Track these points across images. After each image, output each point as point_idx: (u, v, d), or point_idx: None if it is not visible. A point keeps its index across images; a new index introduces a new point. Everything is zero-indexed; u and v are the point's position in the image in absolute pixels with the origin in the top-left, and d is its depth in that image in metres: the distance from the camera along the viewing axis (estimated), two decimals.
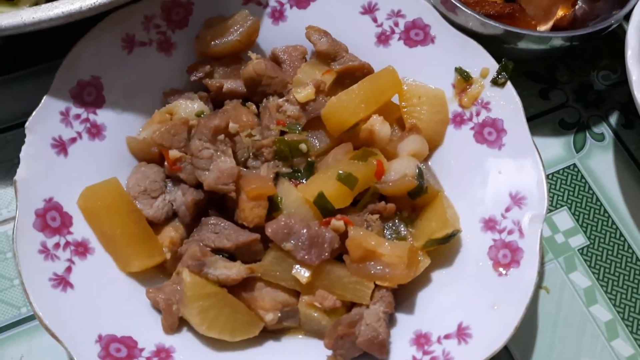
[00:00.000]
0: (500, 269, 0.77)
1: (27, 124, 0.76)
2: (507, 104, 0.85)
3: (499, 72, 0.86)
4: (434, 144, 0.87)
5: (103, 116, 0.82)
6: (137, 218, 0.76)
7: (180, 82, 0.88)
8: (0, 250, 0.83)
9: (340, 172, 0.75)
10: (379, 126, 0.81)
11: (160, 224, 0.78)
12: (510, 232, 0.78)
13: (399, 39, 0.91)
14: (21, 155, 0.74)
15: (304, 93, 0.82)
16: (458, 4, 0.90)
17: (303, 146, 0.79)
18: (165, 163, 0.79)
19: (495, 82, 0.86)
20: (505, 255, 0.77)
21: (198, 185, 0.78)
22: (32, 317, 0.79)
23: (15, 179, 0.73)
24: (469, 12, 0.89)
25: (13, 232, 0.70)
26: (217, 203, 0.79)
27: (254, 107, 0.87)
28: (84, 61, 0.81)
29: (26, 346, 0.78)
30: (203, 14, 0.89)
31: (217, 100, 0.88)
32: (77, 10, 0.74)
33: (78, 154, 0.78)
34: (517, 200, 0.80)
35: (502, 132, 0.84)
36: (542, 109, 1.01)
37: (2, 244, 0.83)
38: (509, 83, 0.85)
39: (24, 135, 0.75)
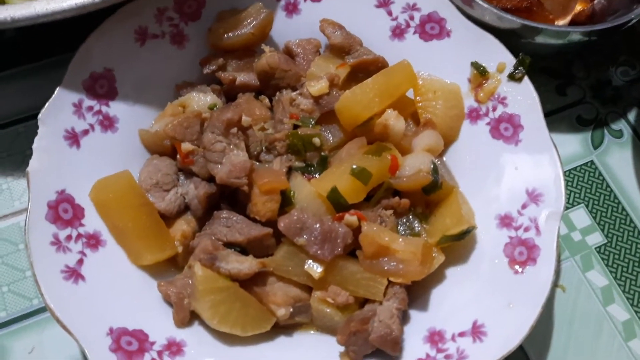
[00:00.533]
0: (516, 267, 0.75)
1: (39, 116, 0.76)
2: (524, 99, 0.84)
3: (516, 67, 0.85)
4: (449, 139, 0.86)
5: (115, 108, 0.81)
6: (149, 211, 0.75)
7: (193, 75, 0.88)
8: (13, 241, 0.83)
9: (354, 166, 0.74)
10: (394, 121, 0.80)
11: (172, 217, 0.78)
12: (526, 230, 0.77)
13: (414, 32, 0.90)
14: (34, 147, 0.74)
15: (317, 87, 0.81)
16: None
17: (316, 140, 0.78)
18: (178, 156, 0.78)
19: (512, 77, 0.84)
20: (522, 253, 0.76)
21: (210, 179, 0.78)
22: (43, 309, 0.79)
23: (27, 170, 0.73)
24: (486, 5, 0.88)
25: (25, 224, 0.70)
26: (229, 197, 0.78)
27: (267, 100, 0.86)
28: (96, 53, 0.81)
29: (37, 338, 0.78)
30: (216, 6, 0.89)
31: (229, 93, 0.87)
32: (91, 2, 0.74)
33: (90, 146, 0.78)
34: (533, 197, 0.78)
35: (518, 127, 0.83)
36: (559, 105, 0.99)
37: (14, 235, 0.83)
38: (526, 78, 0.84)
39: (36, 128, 0.75)
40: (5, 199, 0.84)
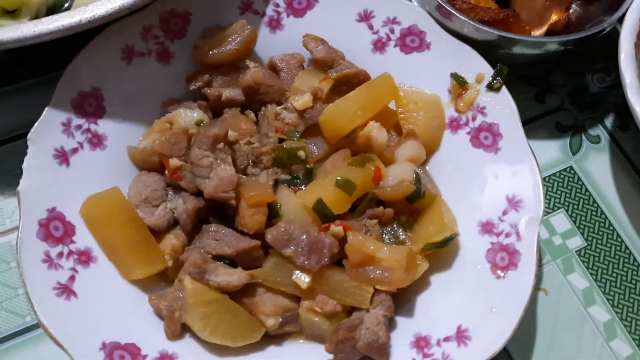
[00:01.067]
0: (498, 272, 0.77)
1: (29, 135, 0.77)
2: (502, 108, 0.86)
3: (494, 77, 0.87)
4: (430, 149, 0.88)
5: (104, 126, 0.83)
6: (138, 226, 0.77)
7: (179, 92, 0.90)
8: (4, 259, 0.84)
9: (339, 178, 0.76)
10: (376, 132, 0.82)
11: (161, 232, 0.79)
12: (507, 235, 0.79)
13: (395, 45, 0.92)
14: (24, 166, 0.75)
15: (301, 101, 0.83)
16: (453, 11, 0.90)
17: (301, 153, 0.80)
18: (166, 172, 0.80)
19: (490, 87, 0.87)
20: (503, 258, 0.78)
21: (198, 193, 0.79)
22: (36, 326, 0.80)
23: (18, 189, 0.74)
24: (464, 18, 0.90)
25: (17, 242, 0.71)
26: (218, 210, 0.80)
27: (252, 115, 0.88)
28: (84, 72, 0.82)
29: (31, 355, 0.79)
30: (201, 24, 0.91)
31: (216, 109, 0.89)
32: (77, 23, 0.75)
33: (80, 164, 0.79)
34: (513, 203, 0.81)
35: (498, 136, 0.85)
36: (538, 112, 1.02)
37: (5, 253, 0.84)
38: (504, 88, 0.86)
39: (25, 147, 0.76)
40: None
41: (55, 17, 0.75)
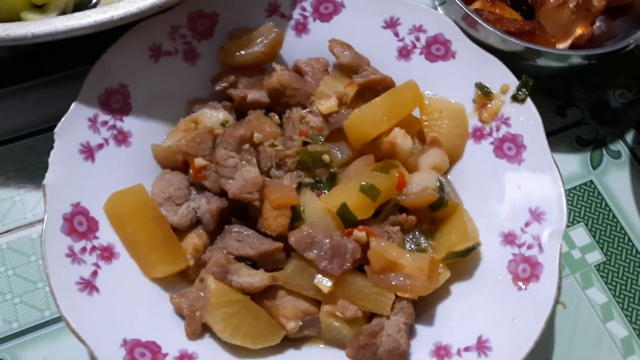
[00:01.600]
0: (520, 283, 0.77)
1: (55, 130, 0.77)
2: (527, 119, 0.86)
3: (519, 89, 0.87)
4: (453, 158, 0.88)
5: (129, 123, 0.83)
6: (161, 224, 0.77)
7: (204, 91, 0.90)
8: (24, 253, 0.84)
9: (363, 183, 0.76)
10: (401, 139, 0.82)
11: (183, 230, 0.79)
12: (529, 247, 0.79)
13: (420, 53, 0.92)
14: (50, 160, 0.76)
15: (327, 105, 0.83)
16: (479, 20, 0.91)
17: (326, 157, 0.81)
18: (190, 171, 0.80)
19: (515, 98, 0.87)
20: (525, 270, 0.78)
21: (222, 193, 0.79)
22: (55, 320, 0.80)
23: (44, 183, 0.74)
24: (490, 28, 0.90)
25: (41, 236, 0.71)
26: (240, 211, 0.80)
27: (276, 117, 0.88)
28: (112, 69, 0.83)
29: (49, 349, 0.78)
30: (228, 25, 0.91)
31: (240, 110, 0.89)
32: (109, 19, 0.76)
33: (105, 159, 0.80)
34: (536, 215, 0.81)
35: (521, 147, 0.85)
36: (559, 125, 1.02)
37: (25, 247, 0.84)
38: (528, 99, 0.87)
39: (48, 141, 0.76)
40: (18, 211, 0.86)
41: (87, 12, 0.75)
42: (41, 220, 0.75)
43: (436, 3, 1.03)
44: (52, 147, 0.76)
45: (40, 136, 0.91)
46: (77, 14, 0.76)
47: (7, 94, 0.93)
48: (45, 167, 0.75)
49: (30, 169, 0.89)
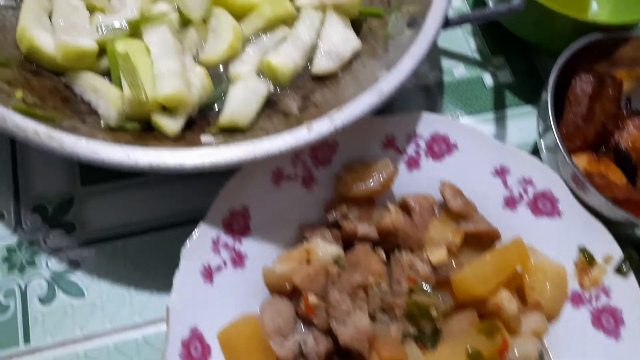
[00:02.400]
0: None
1: (183, 250, 0.81)
2: (628, 295, 0.88)
3: (623, 261, 0.89)
4: (548, 319, 0.90)
5: (246, 245, 0.86)
6: (269, 356, 0.79)
7: (315, 215, 0.93)
8: (126, 354, 0.86)
9: (470, 350, 0.78)
10: (507, 303, 0.84)
11: None
12: None
13: (527, 206, 0.95)
14: (175, 281, 0.79)
15: (438, 256, 0.86)
16: (588, 186, 0.93)
17: (434, 312, 0.83)
18: (302, 305, 0.83)
19: (619, 271, 0.89)
20: None
21: (328, 331, 0.82)
22: None
23: (167, 305, 0.77)
24: (599, 195, 0.92)
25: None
26: (344, 353, 0.82)
27: (382, 253, 0.91)
28: (237, 191, 0.86)
29: None
30: (345, 153, 0.94)
31: (347, 239, 0.92)
32: (251, 157, 0.79)
33: (222, 282, 0.83)
34: None
35: (620, 322, 0.87)
36: None
37: (129, 350, 0.86)
38: (631, 274, 0.88)
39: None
40: (127, 313, 0.88)
41: (234, 147, 0.79)
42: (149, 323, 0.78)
43: (542, 144, 1.03)
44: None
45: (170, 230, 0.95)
46: (224, 149, 0.79)
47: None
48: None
49: (140, 268, 0.92)
